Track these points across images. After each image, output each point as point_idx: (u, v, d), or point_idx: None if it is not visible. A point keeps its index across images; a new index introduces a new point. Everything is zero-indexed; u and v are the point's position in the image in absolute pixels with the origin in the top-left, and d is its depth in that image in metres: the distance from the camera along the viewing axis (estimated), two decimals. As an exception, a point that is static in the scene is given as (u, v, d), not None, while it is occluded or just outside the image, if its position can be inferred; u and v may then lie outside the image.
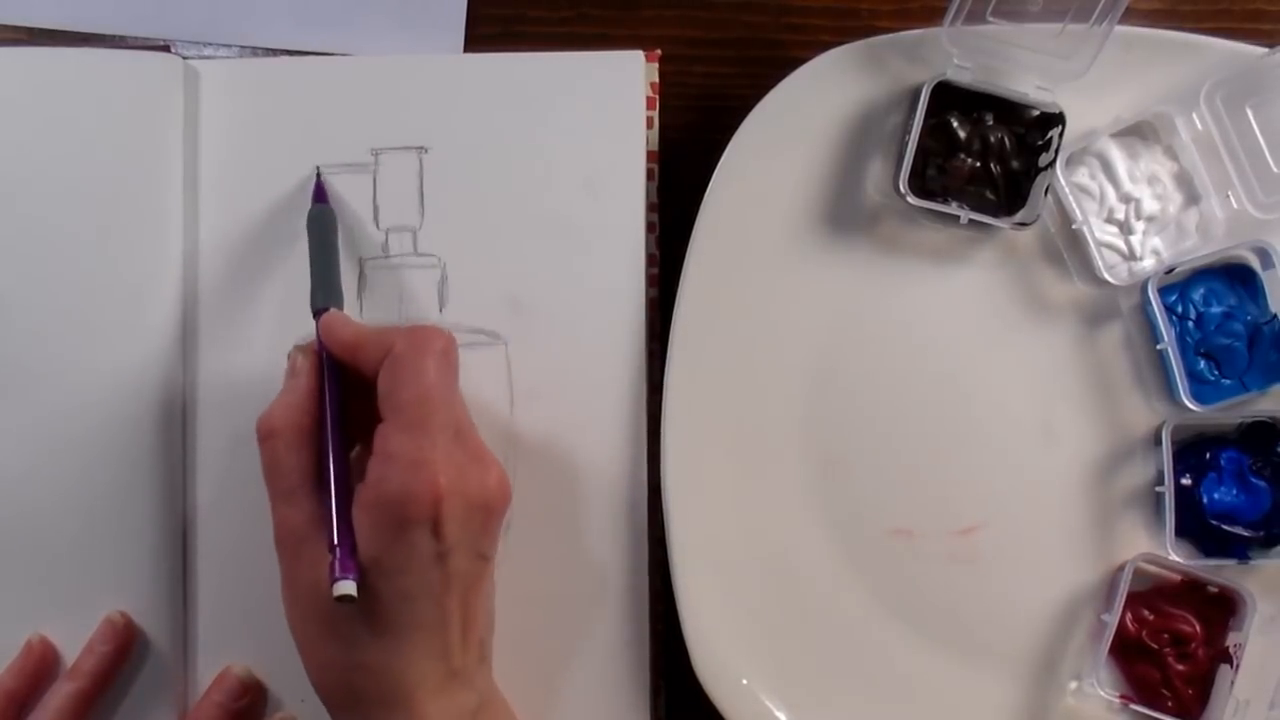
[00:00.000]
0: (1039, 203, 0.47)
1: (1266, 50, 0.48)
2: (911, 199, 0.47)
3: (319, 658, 0.42)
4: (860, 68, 0.49)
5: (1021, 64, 0.47)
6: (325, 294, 0.45)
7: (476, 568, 0.41)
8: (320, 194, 0.48)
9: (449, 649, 0.41)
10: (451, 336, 0.42)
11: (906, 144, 0.47)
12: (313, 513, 0.41)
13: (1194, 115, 0.48)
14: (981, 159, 0.48)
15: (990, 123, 0.48)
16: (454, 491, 0.40)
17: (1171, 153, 0.49)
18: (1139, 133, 0.49)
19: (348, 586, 0.39)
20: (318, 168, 0.48)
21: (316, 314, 0.44)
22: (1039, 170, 0.48)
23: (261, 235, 0.49)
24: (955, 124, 0.48)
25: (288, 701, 0.48)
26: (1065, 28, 0.47)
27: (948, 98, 0.48)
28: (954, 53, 0.47)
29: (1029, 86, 0.48)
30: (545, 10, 0.51)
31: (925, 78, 0.47)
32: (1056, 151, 0.47)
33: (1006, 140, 0.48)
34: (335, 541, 0.40)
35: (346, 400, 0.43)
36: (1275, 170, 0.47)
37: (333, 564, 0.39)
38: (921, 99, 0.47)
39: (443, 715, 0.41)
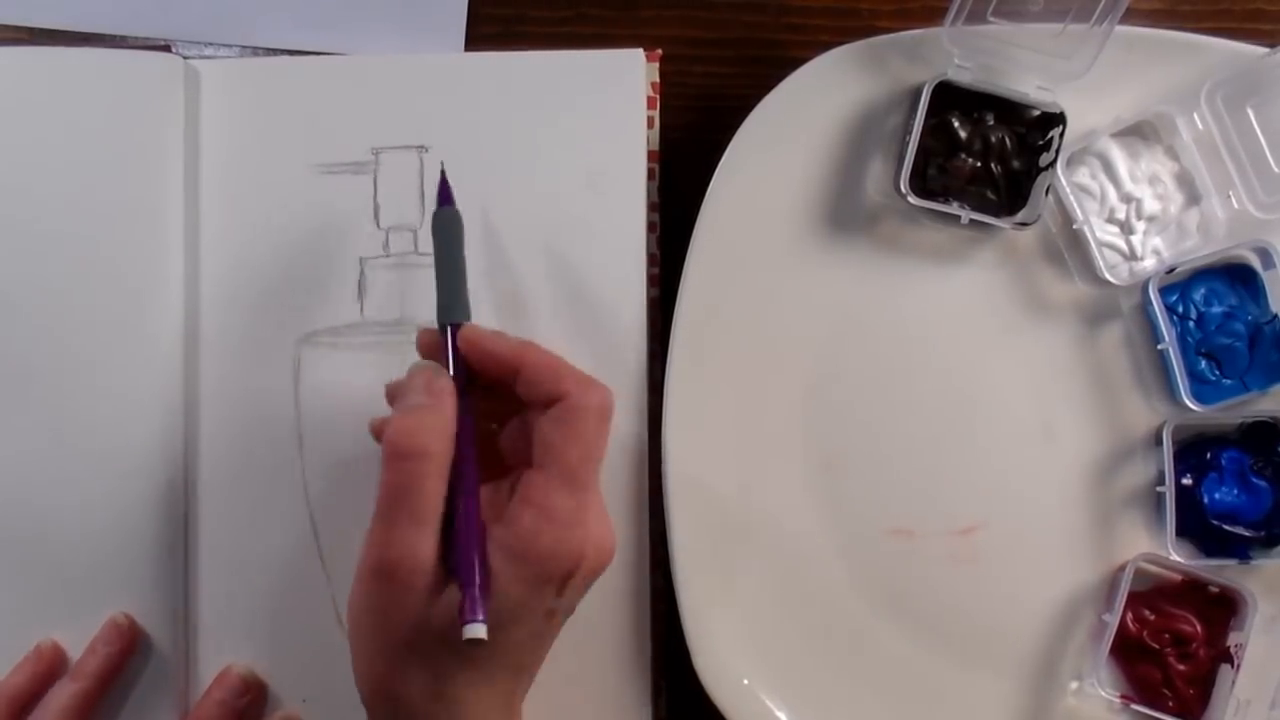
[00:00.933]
0: (1040, 202, 0.47)
1: (1267, 50, 0.48)
2: (912, 199, 0.47)
3: (394, 684, 0.40)
4: (860, 68, 0.49)
5: (1022, 64, 0.47)
6: (455, 306, 0.42)
7: (563, 621, 0.42)
8: (446, 195, 0.44)
9: (521, 691, 0.42)
10: (612, 397, 0.41)
11: (907, 144, 0.47)
12: (437, 544, 0.39)
13: (1195, 115, 0.48)
14: (982, 159, 0.48)
15: (991, 123, 0.48)
16: (591, 559, 0.40)
17: (1172, 152, 0.49)
18: (1140, 133, 0.49)
19: (479, 630, 0.37)
20: (442, 164, 0.45)
21: (445, 327, 0.41)
22: (1040, 170, 0.48)
23: (263, 234, 0.49)
24: (956, 124, 0.48)
25: (288, 700, 0.48)
26: (1066, 28, 0.47)
27: (948, 98, 0.48)
28: (954, 53, 0.47)
29: (1029, 86, 0.48)
30: (545, 10, 0.51)
31: (926, 78, 0.47)
32: (1057, 151, 0.47)
33: (1007, 140, 0.48)
34: (471, 582, 0.38)
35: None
36: (1276, 170, 0.47)
37: (463, 605, 0.38)
38: (922, 99, 0.47)
39: None
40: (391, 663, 0.40)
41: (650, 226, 0.50)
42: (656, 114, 0.50)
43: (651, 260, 0.50)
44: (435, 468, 0.39)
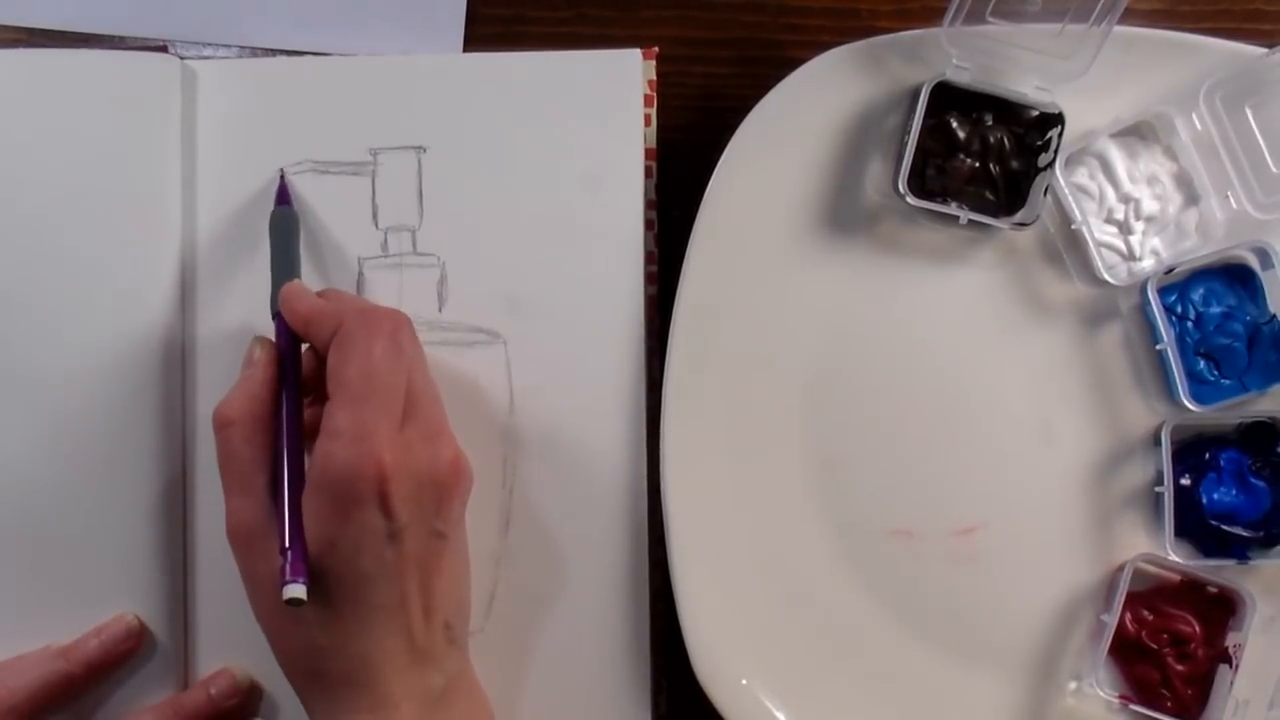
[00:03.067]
0: (1038, 203, 0.47)
1: (1266, 50, 0.48)
2: (911, 199, 0.47)
3: (285, 645, 0.42)
4: (860, 68, 0.49)
5: (1021, 64, 0.47)
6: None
7: (434, 547, 0.41)
8: (283, 196, 0.48)
9: (411, 628, 0.41)
10: (404, 317, 0.42)
11: (906, 144, 0.47)
12: (267, 506, 0.41)
13: (1193, 115, 0.48)
14: (981, 159, 0.48)
15: (990, 123, 0.48)
16: (400, 467, 0.40)
17: (1171, 153, 0.49)
18: (1138, 133, 0.49)
19: (297, 590, 0.39)
20: (281, 170, 0.48)
21: (276, 314, 0.44)
22: (1038, 171, 0.48)
23: (259, 235, 0.49)
24: (955, 124, 0.48)
25: (286, 702, 0.48)
26: (1064, 28, 0.47)
27: (947, 98, 0.48)
28: (953, 53, 0.47)
29: (1028, 87, 0.48)
30: (545, 10, 0.51)
31: (925, 78, 0.47)
32: (1056, 152, 0.47)
33: (1006, 141, 0.48)
34: (286, 544, 0.40)
35: (305, 394, 0.43)
36: (1274, 170, 0.47)
37: (283, 567, 0.39)
38: (921, 99, 0.47)
39: (407, 693, 0.41)
40: (276, 628, 0.42)
41: (648, 224, 0.50)
42: (654, 112, 0.50)
43: (649, 258, 0.50)
44: (240, 434, 0.42)
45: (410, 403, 0.41)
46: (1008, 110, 0.48)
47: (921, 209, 0.48)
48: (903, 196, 0.47)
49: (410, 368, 0.42)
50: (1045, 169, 0.48)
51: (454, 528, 0.43)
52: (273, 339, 0.44)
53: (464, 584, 0.44)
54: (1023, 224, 0.48)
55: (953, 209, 0.48)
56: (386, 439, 0.40)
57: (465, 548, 0.44)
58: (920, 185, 0.48)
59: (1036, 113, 0.48)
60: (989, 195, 0.49)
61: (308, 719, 0.42)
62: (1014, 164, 0.48)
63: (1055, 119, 0.48)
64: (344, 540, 0.40)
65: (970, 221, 0.48)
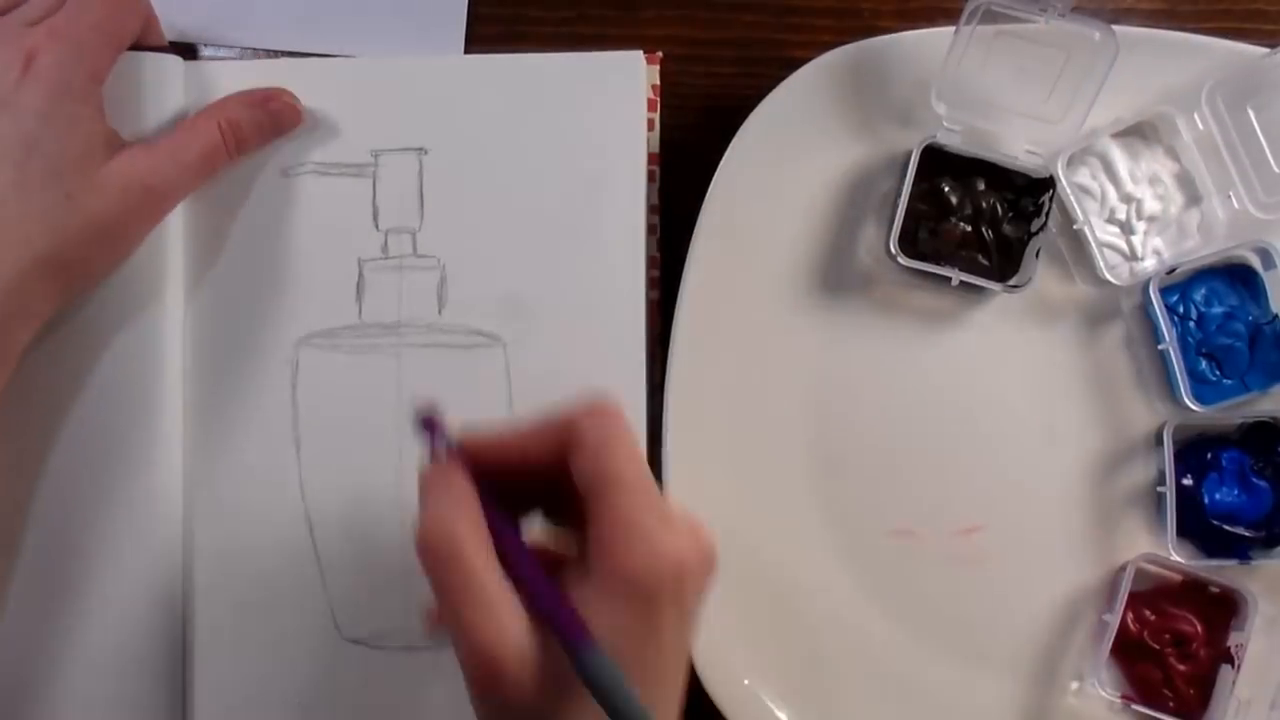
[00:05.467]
0: (1031, 266, 0.47)
1: (1267, 50, 0.48)
2: (903, 260, 0.47)
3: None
4: (862, 68, 0.49)
5: (1012, 126, 0.48)
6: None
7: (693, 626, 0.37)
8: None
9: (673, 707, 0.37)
10: (610, 396, 0.37)
11: (898, 206, 0.47)
12: (521, 619, 0.34)
13: (1195, 115, 0.48)
14: (973, 223, 0.48)
15: (981, 188, 0.48)
16: (691, 557, 0.35)
17: (1173, 153, 0.49)
18: (1140, 133, 0.49)
19: (597, 655, 0.33)
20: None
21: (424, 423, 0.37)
22: (1031, 235, 0.48)
23: (261, 236, 0.49)
24: (946, 188, 0.48)
25: (285, 708, 0.48)
26: (1054, 90, 0.46)
27: (939, 161, 0.48)
28: (943, 114, 0.47)
29: (1019, 149, 0.48)
30: (545, 11, 0.51)
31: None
32: (1047, 216, 0.47)
33: (998, 206, 0.48)
34: (557, 615, 0.34)
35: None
36: (1276, 170, 0.47)
37: (564, 638, 0.33)
38: (911, 162, 0.47)
39: None
40: None
41: (650, 229, 0.50)
42: (656, 116, 0.50)
43: (651, 263, 0.50)
44: (470, 544, 0.34)
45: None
46: (999, 174, 0.48)
47: (914, 264, 0.47)
48: (894, 258, 0.47)
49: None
50: (1038, 233, 0.48)
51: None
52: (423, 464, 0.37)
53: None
54: (1016, 287, 0.48)
55: (944, 270, 0.47)
56: (682, 523, 0.35)
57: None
58: (913, 249, 0.48)
59: (1028, 178, 0.48)
60: (981, 259, 0.48)
61: None
62: (1006, 229, 0.48)
63: (1047, 183, 0.48)
64: (646, 641, 0.34)
65: (962, 283, 0.48)
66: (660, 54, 0.50)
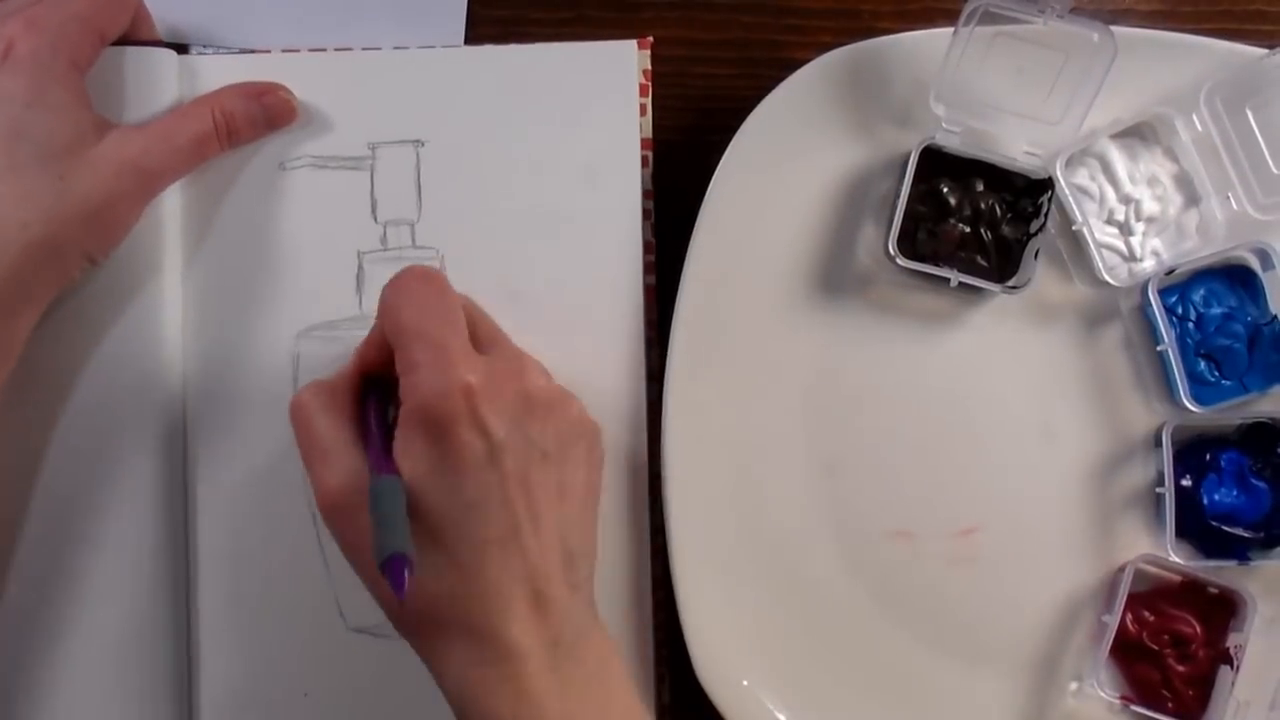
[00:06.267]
0: (1030, 267, 0.47)
1: (1266, 51, 0.48)
2: (901, 260, 0.47)
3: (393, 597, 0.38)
4: (861, 69, 0.49)
5: (1010, 127, 0.48)
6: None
7: (541, 471, 0.40)
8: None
9: (529, 564, 0.39)
10: (428, 268, 0.42)
11: (896, 206, 0.47)
12: (354, 470, 0.40)
13: (1194, 116, 0.48)
14: (972, 224, 0.48)
15: (980, 189, 0.48)
16: (487, 381, 0.39)
17: (1171, 154, 0.49)
18: (1139, 134, 0.49)
19: (384, 483, 0.37)
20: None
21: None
22: (1030, 236, 0.48)
23: (260, 229, 0.49)
24: (945, 189, 0.48)
25: (290, 697, 0.48)
26: (1053, 91, 0.46)
27: (937, 162, 0.48)
28: (941, 115, 0.47)
29: (1017, 150, 0.48)
30: (545, 11, 0.51)
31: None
32: (1046, 217, 0.47)
33: (997, 208, 0.48)
34: (372, 444, 0.39)
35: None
36: (1275, 171, 0.47)
37: (372, 468, 0.38)
38: (910, 163, 0.47)
39: (533, 642, 0.39)
40: (388, 590, 0.38)
41: (645, 214, 0.50)
42: (649, 101, 0.50)
43: (648, 248, 0.50)
44: (315, 406, 0.41)
45: (479, 338, 0.41)
46: (998, 176, 0.48)
47: (912, 265, 0.47)
48: (893, 259, 0.47)
49: (465, 304, 0.42)
50: (1037, 234, 0.48)
51: (562, 452, 0.41)
52: None
53: (582, 523, 0.42)
54: (1015, 288, 0.48)
55: (943, 271, 0.47)
56: (464, 356, 0.39)
57: (584, 485, 0.42)
58: (911, 250, 0.48)
59: (1027, 179, 0.48)
60: (980, 260, 0.49)
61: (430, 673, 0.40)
62: (1005, 230, 0.48)
63: (1045, 184, 0.48)
64: (443, 468, 0.38)
65: (962, 285, 0.48)
66: (651, 39, 0.50)
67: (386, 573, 0.36)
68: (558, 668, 0.39)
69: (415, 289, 0.41)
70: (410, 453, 0.39)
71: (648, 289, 0.50)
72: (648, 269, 0.50)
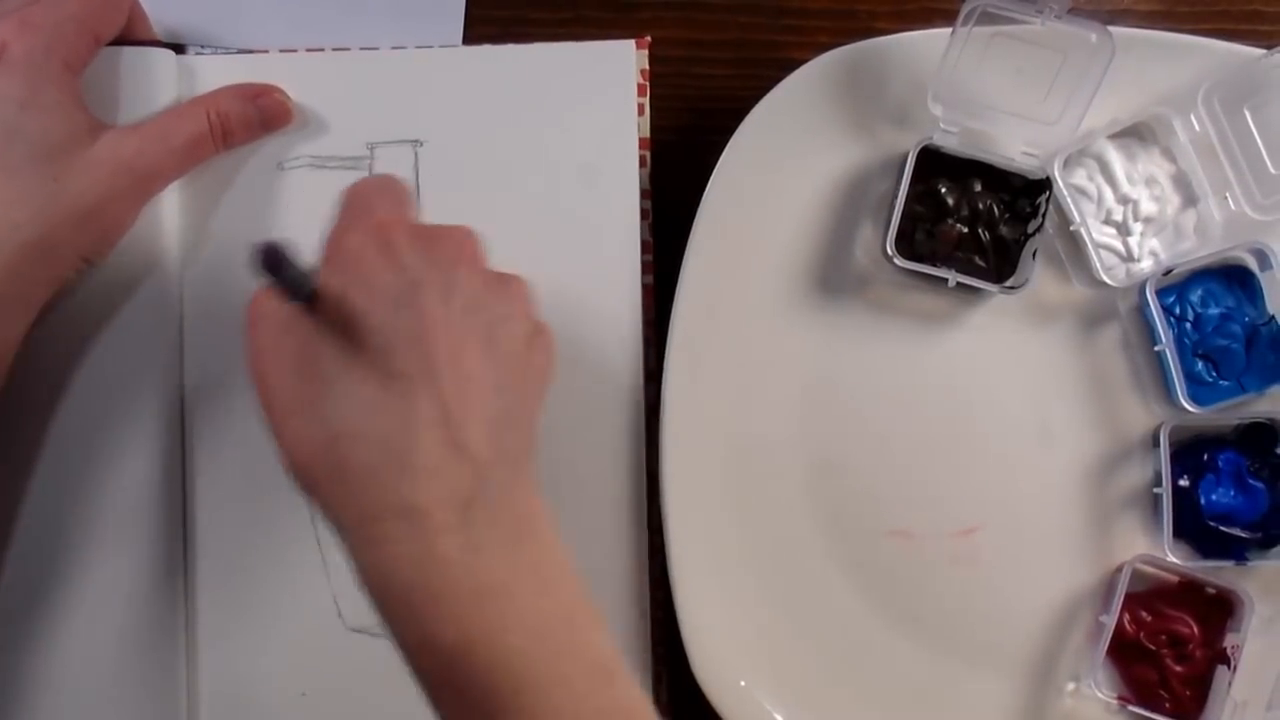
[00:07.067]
0: (1028, 267, 0.47)
1: (1264, 51, 0.48)
2: (899, 261, 0.47)
3: (297, 437, 0.37)
4: (859, 69, 0.49)
5: (1008, 127, 0.48)
6: None
7: (463, 321, 0.37)
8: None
9: (444, 411, 0.36)
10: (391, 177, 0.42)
11: (895, 207, 0.47)
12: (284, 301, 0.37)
13: (1191, 117, 0.48)
14: (970, 225, 0.48)
15: (978, 189, 0.48)
16: (397, 220, 0.38)
17: (1169, 154, 0.49)
18: (1136, 134, 0.49)
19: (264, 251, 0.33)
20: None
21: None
22: (1028, 237, 0.48)
23: (258, 230, 0.49)
24: (943, 190, 0.48)
25: (288, 697, 0.48)
26: (1050, 91, 0.46)
27: (935, 162, 0.48)
28: (939, 116, 0.47)
29: (1015, 150, 0.48)
30: (545, 12, 0.51)
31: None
32: (1044, 217, 0.47)
33: (995, 208, 0.48)
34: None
35: None
36: (1273, 172, 0.47)
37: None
38: (908, 163, 0.47)
39: (443, 496, 0.36)
40: (289, 416, 0.37)
41: (643, 214, 0.50)
42: (647, 101, 0.50)
43: (645, 247, 0.50)
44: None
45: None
46: (996, 176, 0.48)
47: (910, 265, 0.47)
48: (890, 259, 0.47)
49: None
50: (1034, 234, 0.48)
51: (495, 310, 0.38)
52: None
53: (518, 392, 0.39)
54: (1013, 288, 0.48)
55: (941, 272, 0.47)
56: (389, 208, 0.39)
57: (522, 354, 0.39)
58: (909, 250, 0.48)
59: (1025, 179, 0.48)
60: (978, 260, 0.49)
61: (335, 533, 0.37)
62: (1003, 230, 0.48)
63: (1043, 184, 0.48)
64: (354, 291, 0.36)
65: (960, 284, 0.47)
66: (649, 38, 0.50)
67: (257, 262, 0.33)
68: (468, 530, 0.36)
69: (367, 180, 0.41)
70: (330, 280, 0.37)
71: (646, 288, 0.50)
72: (646, 269, 0.50)
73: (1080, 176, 0.49)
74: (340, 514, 0.37)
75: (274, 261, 0.34)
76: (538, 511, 0.38)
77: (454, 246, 0.39)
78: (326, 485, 0.37)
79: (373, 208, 0.39)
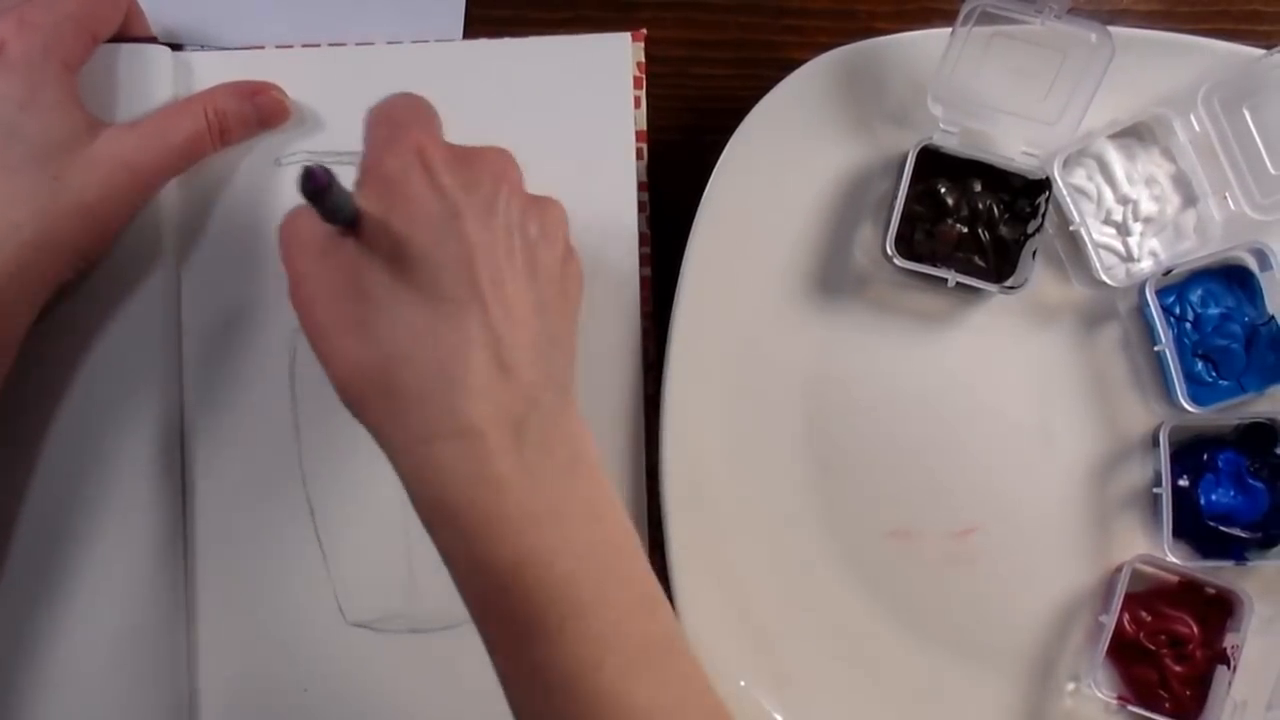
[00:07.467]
0: (1028, 267, 0.47)
1: (1264, 52, 0.48)
2: (899, 261, 0.47)
3: (347, 361, 0.37)
4: (858, 69, 0.49)
5: (1007, 127, 0.48)
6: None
7: (504, 243, 0.38)
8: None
9: (493, 333, 0.36)
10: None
11: (894, 207, 0.47)
12: (321, 224, 0.37)
13: (1191, 117, 0.48)
14: (969, 225, 0.49)
15: (978, 189, 0.48)
16: (434, 142, 0.38)
17: (1169, 154, 0.49)
18: (1136, 134, 0.49)
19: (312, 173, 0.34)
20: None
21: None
22: (1027, 236, 0.48)
23: (258, 225, 0.49)
24: (943, 190, 0.48)
25: (289, 693, 0.48)
26: (1050, 91, 0.46)
27: (935, 162, 0.48)
28: (939, 115, 0.47)
29: (1015, 150, 0.48)
30: (544, 11, 0.51)
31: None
32: (1044, 217, 0.47)
33: (995, 208, 0.48)
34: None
35: None
36: (1272, 172, 0.47)
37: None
38: (908, 163, 0.47)
39: (495, 417, 0.36)
40: (339, 341, 0.37)
41: (640, 206, 0.50)
42: (643, 94, 0.50)
43: (643, 240, 0.50)
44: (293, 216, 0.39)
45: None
46: (995, 176, 0.48)
47: (910, 265, 0.47)
48: (890, 259, 0.47)
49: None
50: (1034, 234, 0.48)
51: (533, 234, 0.39)
52: None
53: (560, 312, 0.39)
54: (1012, 288, 0.48)
55: (940, 272, 0.47)
56: (421, 128, 0.39)
57: (559, 279, 0.40)
58: (909, 250, 0.48)
59: (1024, 179, 0.48)
60: (978, 260, 0.49)
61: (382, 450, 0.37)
62: (1002, 230, 0.48)
63: (1043, 185, 0.48)
64: (397, 215, 0.36)
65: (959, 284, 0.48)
66: (645, 31, 0.50)
67: (304, 185, 0.33)
68: (521, 451, 0.36)
69: (394, 99, 0.40)
70: (371, 204, 0.37)
71: (643, 280, 0.50)
72: (643, 260, 0.50)
73: (1080, 176, 0.49)
74: (392, 436, 0.37)
75: (320, 185, 0.34)
76: (586, 436, 0.39)
77: (492, 169, 0.39)
78: (378, 407, 0.37)
79: (406, 127, 0.39)
